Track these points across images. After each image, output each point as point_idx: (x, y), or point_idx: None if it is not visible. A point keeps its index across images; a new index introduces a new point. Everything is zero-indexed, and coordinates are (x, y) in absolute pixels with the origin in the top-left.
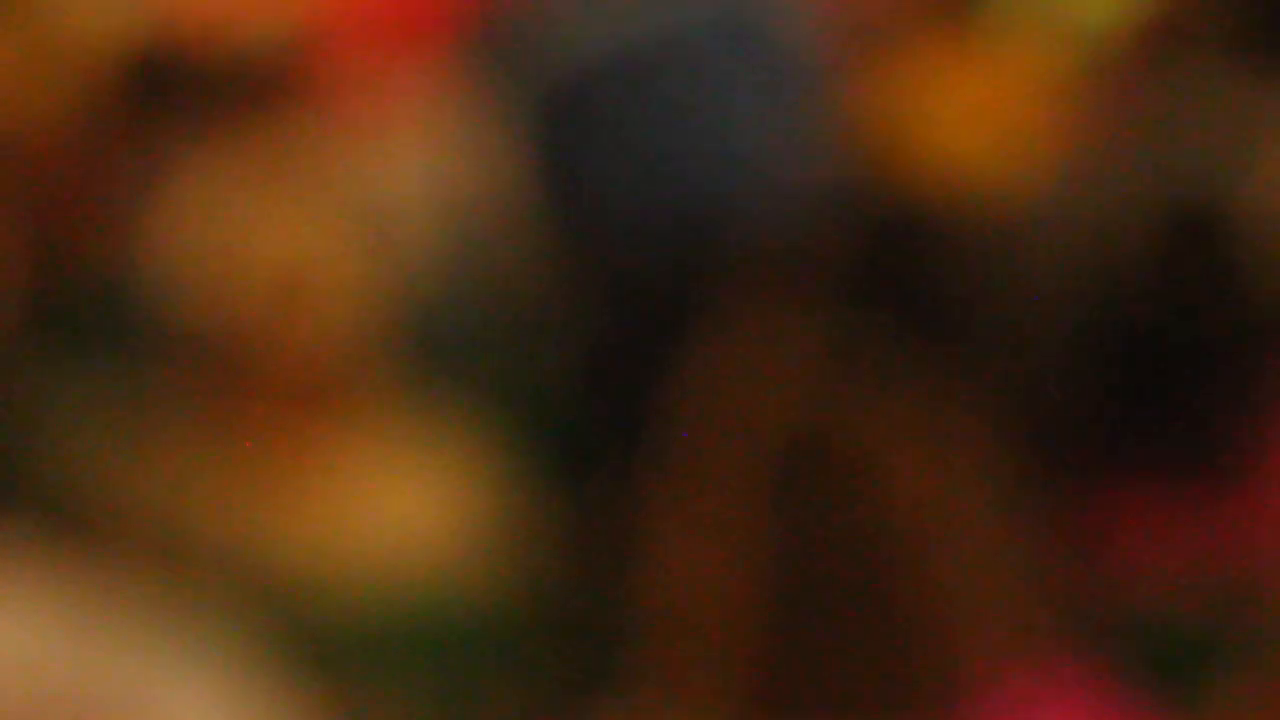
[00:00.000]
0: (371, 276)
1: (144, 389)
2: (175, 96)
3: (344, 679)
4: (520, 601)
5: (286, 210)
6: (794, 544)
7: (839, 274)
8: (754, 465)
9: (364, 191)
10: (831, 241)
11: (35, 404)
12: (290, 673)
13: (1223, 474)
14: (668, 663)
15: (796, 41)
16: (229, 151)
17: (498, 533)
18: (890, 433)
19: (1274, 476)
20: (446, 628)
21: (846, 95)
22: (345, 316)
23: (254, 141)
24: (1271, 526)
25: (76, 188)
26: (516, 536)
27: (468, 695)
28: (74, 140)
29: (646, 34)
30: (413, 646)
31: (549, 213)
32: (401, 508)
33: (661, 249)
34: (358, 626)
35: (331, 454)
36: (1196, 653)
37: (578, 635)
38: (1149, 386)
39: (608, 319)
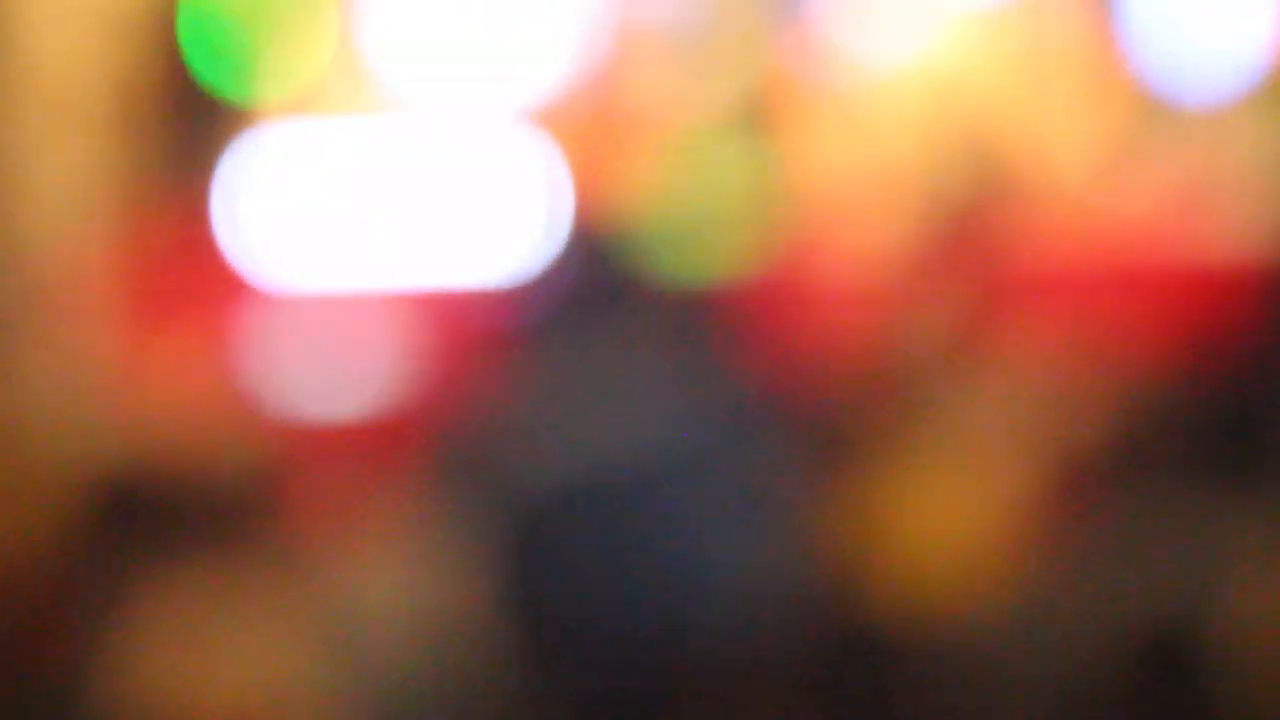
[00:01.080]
0: (338, 694)
1: None
2: (144, 520)
3: None
4: None
5: (252, 633)
6: None
7: (803, 689)
8: None
9: (331, 611)
10: (796, 657)
11: None
12: None
13: None
14: None
15: (763, 458)
16: (196, 574)
17: None
18: None
19: None
20: None
21: (812, 512)
22: None
23: (221, 564)
24: None
25: (44, 609)
26: None
27: None
28: (43, 562)
29: (612, 454)
30: None
31: (515, 629)
32: None
33: (626, 665)
34: None
35: None
36: None
37: None
38: None
39: None
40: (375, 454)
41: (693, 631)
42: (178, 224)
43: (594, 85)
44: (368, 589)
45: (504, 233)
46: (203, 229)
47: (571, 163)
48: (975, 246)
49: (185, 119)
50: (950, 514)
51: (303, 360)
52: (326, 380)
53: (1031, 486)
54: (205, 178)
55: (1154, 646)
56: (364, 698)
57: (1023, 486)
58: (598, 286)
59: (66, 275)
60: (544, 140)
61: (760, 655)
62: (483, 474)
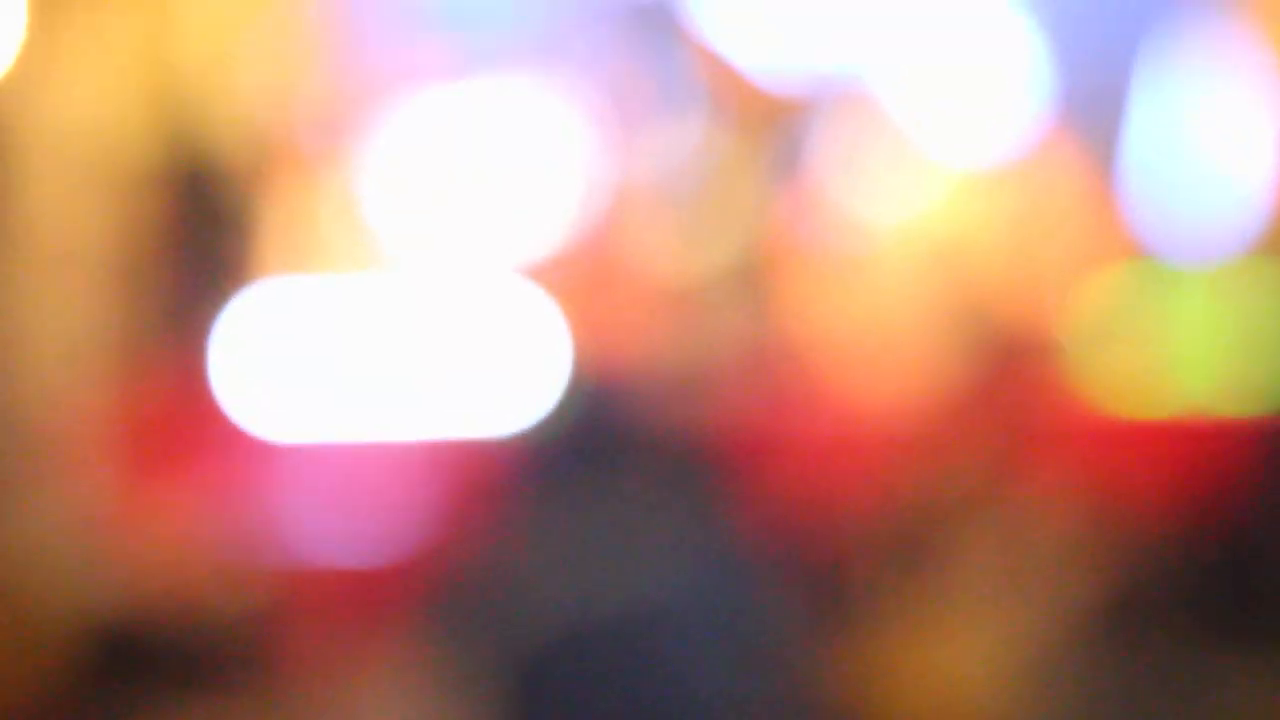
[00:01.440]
0: None
1: None
2: (143, 670)
3: None
4: None
5: None
6: None
7: None
8: None
9: None
10: None
11: None
12: None
13: None
14: None
15: (765, 608)
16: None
17: None
18: None
19: None
20: None
21: (815, 662)
22: None
23: (219, 711)
24: None
25: None
26: None
27: None
28: (41, 709)
29: (612, 603)
30: None
31: None
32: None
33: None
34: None
35: None
36: None
37: None
38: None
39: None
40: (374, 603)
41: None
42: (176, 376)
43: (592, 241)
44: None
45: (502, 386)
46: (201, 380)
47: (569, 318)
48: (975, 403)
49: (185, 272)
50: (953, 666)
51: (301, 509)
52: (324, 529)
53: (1035, 639)
54: (204, 330)
55: None
56: None
57: (1026, 638)
58: (595, 439)
59: (66, 426)
60: (542, 295)
61: None
62: (482, 622)
